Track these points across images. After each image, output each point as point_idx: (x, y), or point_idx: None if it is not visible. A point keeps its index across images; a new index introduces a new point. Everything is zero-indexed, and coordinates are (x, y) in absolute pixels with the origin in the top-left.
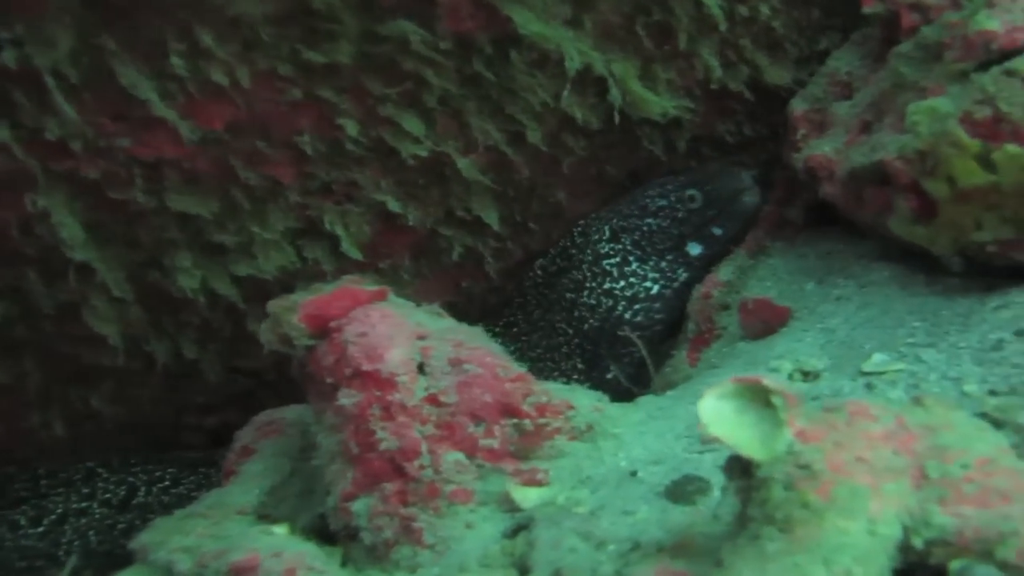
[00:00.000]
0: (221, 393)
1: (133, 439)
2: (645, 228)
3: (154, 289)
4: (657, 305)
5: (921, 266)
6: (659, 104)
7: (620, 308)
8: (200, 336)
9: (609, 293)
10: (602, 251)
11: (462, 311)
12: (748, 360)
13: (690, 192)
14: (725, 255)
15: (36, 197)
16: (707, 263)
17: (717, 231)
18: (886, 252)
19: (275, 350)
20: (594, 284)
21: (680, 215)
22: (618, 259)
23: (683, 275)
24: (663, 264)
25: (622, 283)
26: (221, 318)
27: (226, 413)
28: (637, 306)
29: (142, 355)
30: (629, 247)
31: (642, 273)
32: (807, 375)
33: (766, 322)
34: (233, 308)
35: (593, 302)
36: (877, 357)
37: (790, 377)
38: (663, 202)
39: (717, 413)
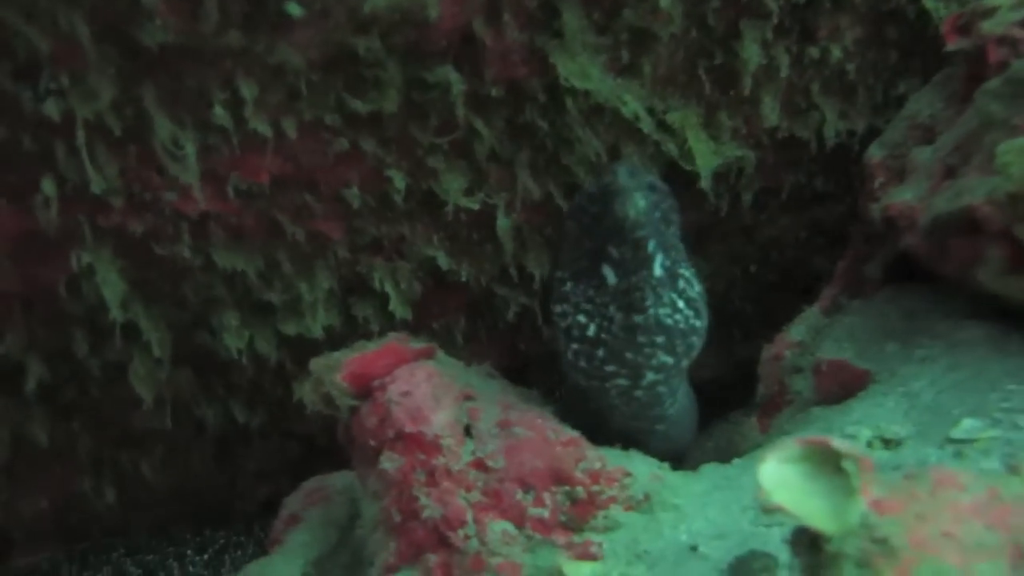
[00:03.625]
0: (274, 460)
1: (185, 507)
2: (568, 231)
3: (202, 350)
4: (600, 353)
5: (1017, 324)
6: (709, 158)
7: (563, 343)
8: (250, 399)
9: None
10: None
11: (519, 376)
12: (822, 427)
13: (591, 189)
14: (649, 291)
15: (82, 253)
16: (629, 301)
17: (614, 252)
18: (976, 309)
19: (319, 411)
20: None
21: (586, 221)
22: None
23: (616, 313)
24: (591, 292)
25: (559, 308)
26: (271, 380)
27: (280, 481)
28: (575, 346)
29: (192, 419)
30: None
31: (575, 300)
32: (888, 443)
33: (843, 385)
34: (282, 369)
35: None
36: (967, 423)
37: (869, 445)
38: (577, 198)
39: (781, 479)
